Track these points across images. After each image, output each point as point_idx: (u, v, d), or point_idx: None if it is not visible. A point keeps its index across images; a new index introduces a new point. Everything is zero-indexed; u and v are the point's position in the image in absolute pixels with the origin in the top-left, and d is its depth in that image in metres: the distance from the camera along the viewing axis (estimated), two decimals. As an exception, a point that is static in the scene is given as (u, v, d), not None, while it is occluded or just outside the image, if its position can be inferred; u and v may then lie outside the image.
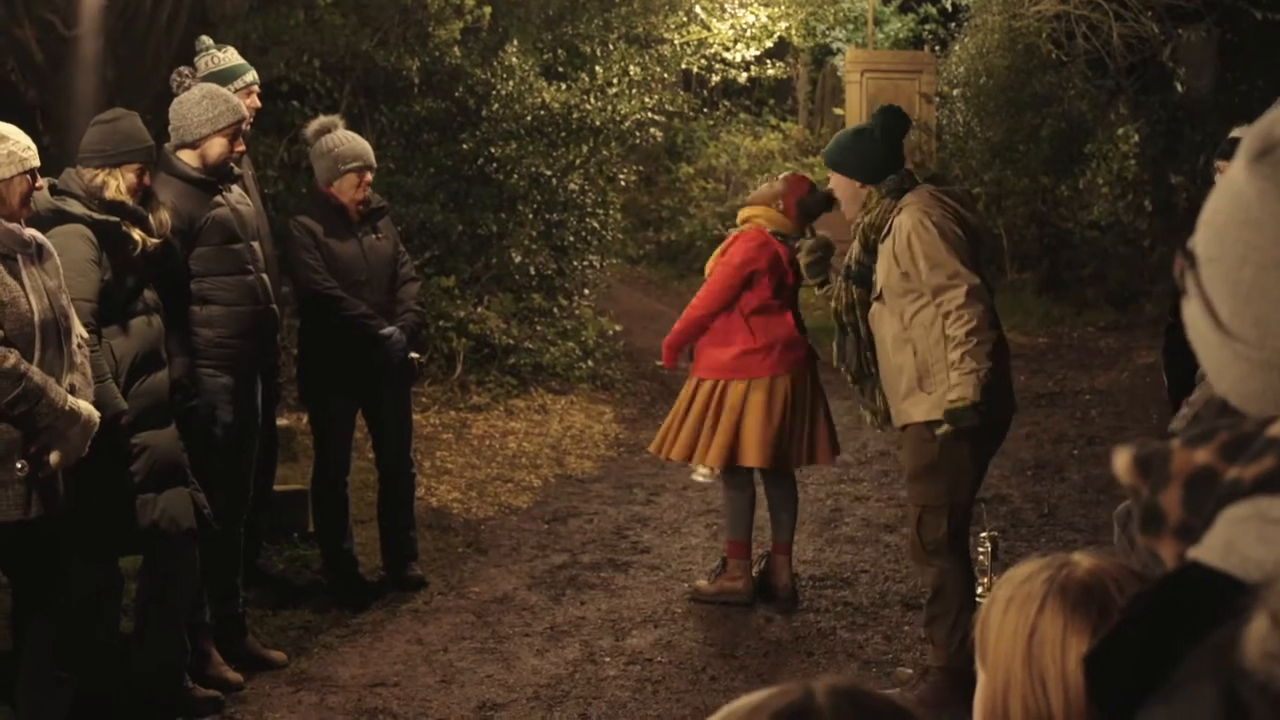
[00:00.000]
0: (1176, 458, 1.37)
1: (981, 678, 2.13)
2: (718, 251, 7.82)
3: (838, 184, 6.47)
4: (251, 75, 7.45)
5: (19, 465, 5.24)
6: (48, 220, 5.78)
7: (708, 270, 7.81)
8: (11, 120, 5.61)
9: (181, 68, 6.92)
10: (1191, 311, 1.44)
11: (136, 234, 6.02)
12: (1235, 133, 7.50)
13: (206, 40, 7.53)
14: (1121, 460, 1.43)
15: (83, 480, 5.60)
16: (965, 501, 6.38)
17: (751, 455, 7.58)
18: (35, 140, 11.03)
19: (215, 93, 6.69)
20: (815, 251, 7.04)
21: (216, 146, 6.63)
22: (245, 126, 6.85)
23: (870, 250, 6.28)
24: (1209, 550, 1.30)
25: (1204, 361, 1.44)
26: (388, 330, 7.60)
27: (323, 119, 7.91)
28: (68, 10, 10.45)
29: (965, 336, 6.02)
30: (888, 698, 1.35)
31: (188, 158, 6.64)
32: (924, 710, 1.40)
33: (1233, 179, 1.40)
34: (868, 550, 8.58)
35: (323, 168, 7.67)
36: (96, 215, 5.91)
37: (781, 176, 7.93)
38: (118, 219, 5.97)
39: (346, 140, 7.70)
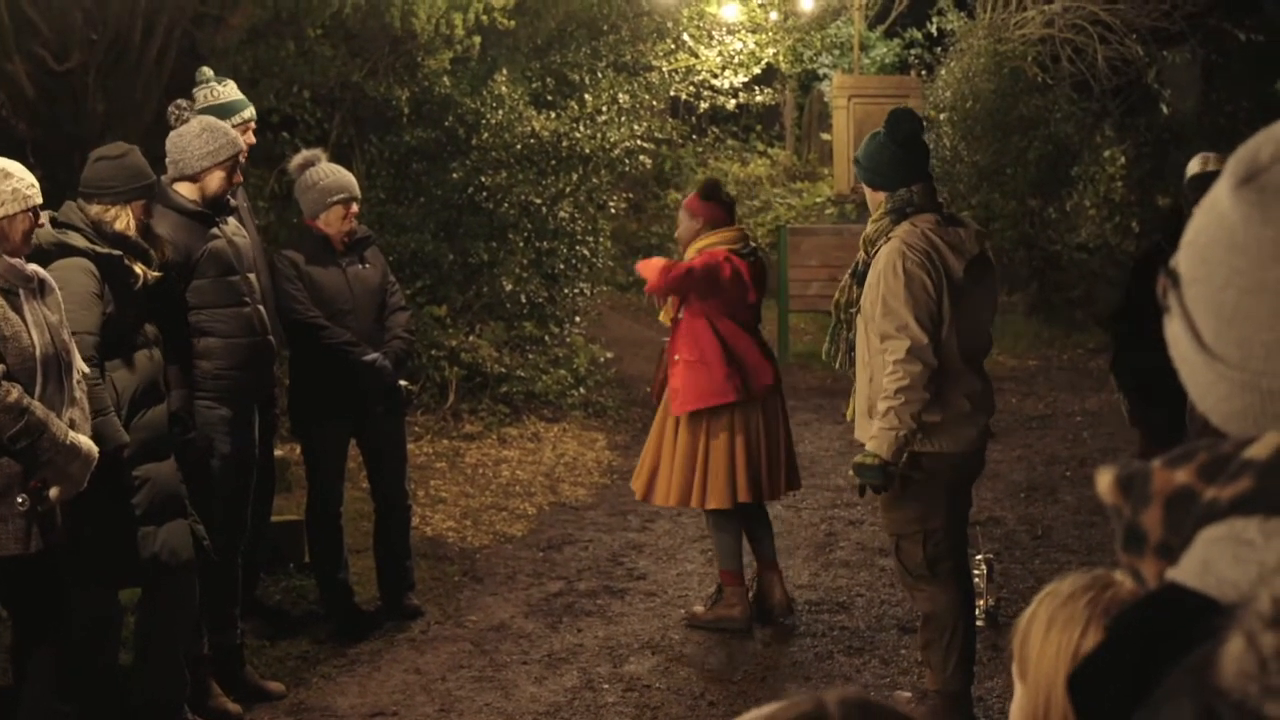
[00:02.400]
0: (1157, 478, 1.39)
1: (1019, 693, 2.14)
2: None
3: (866, 191, 6.45)
4: (250, 112, 7.48)
5: (20, 500, 5.26)
6: (50, 254, 5.80)
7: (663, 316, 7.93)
8: (3, 154, 5.63)
9: (179, 100, 6.92)
10: (1174, 330, 1.45)
11: (138, 268, 6.05)
12: (1192, 166, 7.46)
13: (207, 72, 7.56)
14: (1104, 480, 1.46)
15: (84, 513, 5.62)
16: (941, 526, 6.30)
17: (743, 491, 7.61)
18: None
19: (214, 125, 6.73)
20: None
21: (216, 179, 6.67)
22: (241, 159, 6.89)
23: (870, 260, 6.29)
24: (1186, 571, 1.32)
25: (1186, 381, 1.46)
26: (371, 356, 7.62)
27: (305, 153, 7.93)
28: (58, 44, 10.48)
29: (895, 393, 5.95)
30: (897, 710, 1.38)
31: (185, 190, 6.67)
32: None
33: (1217, 202, 1.42)
34: (863, 574, 8.60)
35: (309, 201, 7.70)
36: (100, 249, 5.94)
37: (683, 210, 7.99)
38: (120, 253, 6.00)
39: (331, 173, 7.73)
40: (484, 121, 12.95)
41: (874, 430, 6.02)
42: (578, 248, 13.78)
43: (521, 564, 8.95)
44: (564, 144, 13.31)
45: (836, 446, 11.75)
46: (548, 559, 9.05)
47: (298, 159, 7.87)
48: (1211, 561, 1.30)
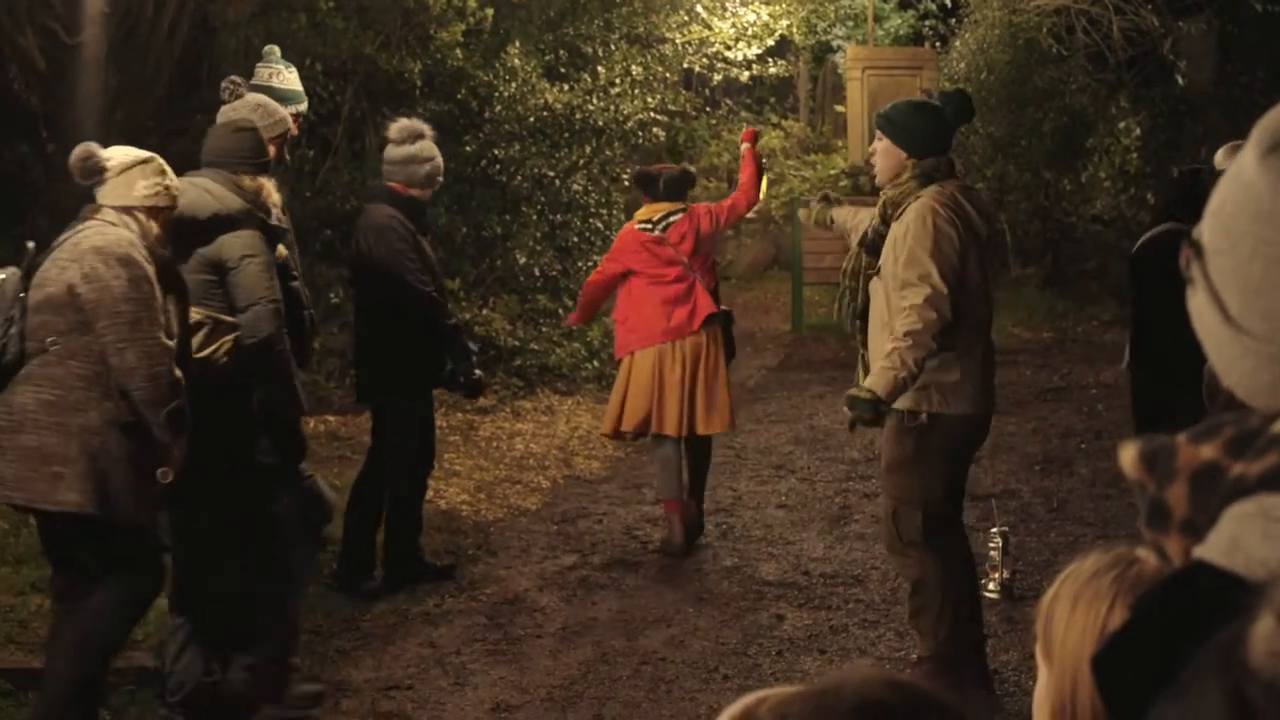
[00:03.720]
0: (1182, 453, 1.37)
1: (1044, 673, 2.11)
2: None
3: (880, 146, 6.35)
4: (304, 106, 7.54)
5: (161, 472, 5.46)
6: (240, 221, 5.99)
7: None
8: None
9: (233, 76, 6.95)
10: (1198, 303, 1.43)
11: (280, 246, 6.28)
12: (1220, 158, 7.34)
13: (276, 51, 7.58)
14: (1128, 455, 1.43)
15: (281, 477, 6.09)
16: (940, 498, 6.32)
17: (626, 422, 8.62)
18: (39, 148, 11.08)
19: (267, 102, 6.76)
20: (820, 200, 7.35)
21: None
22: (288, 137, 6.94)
23: (886, 224, 6.27)
24: (1214, 548, 1.30)
25: (1211, 354, 1.43)
26: (474, 346, 7.89)
27: (415, 123, 7.96)
28: (70, 18, 10.47)
29: (904, 335, 5.93)
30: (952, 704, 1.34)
31: None
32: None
33: (1242, 171, 1.39)
34: (878, 547, 8.56)
35: (419, 172, 7.77)
36: (270, 222, 6.17)
37: None
38: (287, 228, 6.25)
39: (439, 155, 7.92)
40: (497, 94, 12.93)
41: (875, 369, 5.99)
42: (591, 220, 13.76)
43: (535, 537, 8.94)
44: (577, 116, 13.29)
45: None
46: (562, 532, 9.05)
47: (406, 126, 7.91)
48: (1240, 539, 1.27)
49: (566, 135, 13.35)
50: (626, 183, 14.78)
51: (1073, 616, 2.07)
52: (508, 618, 7.56)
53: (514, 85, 12.95)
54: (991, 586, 7.56)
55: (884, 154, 6.35)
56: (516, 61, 13.02)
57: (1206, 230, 1.43)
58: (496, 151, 12.89)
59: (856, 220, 6.83)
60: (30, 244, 5.62)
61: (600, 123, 13.42)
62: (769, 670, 6.84)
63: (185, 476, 5.60)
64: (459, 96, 12.98)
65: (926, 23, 21.20)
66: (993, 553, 7.60)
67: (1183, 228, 6.19)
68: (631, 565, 8.38)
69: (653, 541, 8.79)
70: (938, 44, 20.34)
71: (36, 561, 7.54)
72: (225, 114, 6.68)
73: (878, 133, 6.41)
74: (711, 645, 7.18)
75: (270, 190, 6.22)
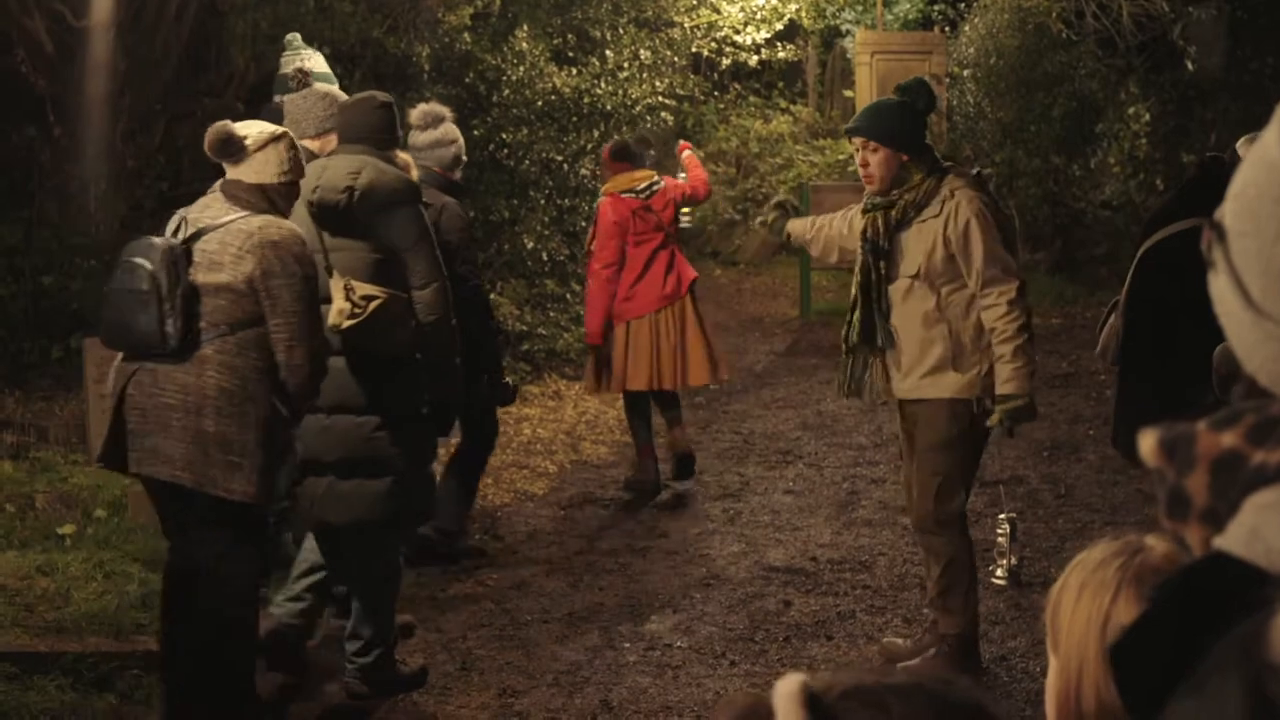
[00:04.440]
0: (1203, 440, 1.34)
1: (1053, 664, 2.10)
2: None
3: (877, 157, 6.28)
4: (335, 87, 7.56)
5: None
6: (411, 199, 6.11)
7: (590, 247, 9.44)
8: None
9: (300, 66, 7.11)
10: (1219, 287, 1.40)
11: None
12: (1242, 148, 7.38)
13: (298, 38, 7.72)
14: (1147, 442, 1.41)
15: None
16: (974, 477, 6.64)
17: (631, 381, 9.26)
18: (47, 131, 11.03)
19: (334, 92, 6.83)
20: (775, 209, 7.21)
21: (331, 143, 6.69)
22: None
23: (904, 226, 6.25)
24: (1233, 539, 1.27)
25: (1232, 339, 1.40)
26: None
27: (435, 106, 7.88)
28: (77, 1, 10.45)
29: (1017, 331, 6.12)
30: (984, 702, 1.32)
31: (309, 146, 6.69)
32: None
33: (1266, 151, 1.36)
34: (885, 533, 8.57)
35: (445, 156, 7.72)
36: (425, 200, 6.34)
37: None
38: (430, 204, 6.39)
39: (461, 137, 7.90)
40: (505, 78, 12.91)
41: (1007, 374, 6.13)
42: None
43: (542, 522, 8.93)
44: (585, 100, 13.26)
45: (858, 405, 11.70)
46: (569, 517, 9.04)
47: (429, 110, 7.82)
48: (1260, 529, 1.25)
49: (574, 119, 13.32)
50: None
51: (1078, 606, 2.06)
52: (514, 603, 7.55)
53: (522, 69, 12.93)
54: (999, 573, 7.55)
55: (884, 163, 6.30)
56: (525, 45, 13.00)
57: (1228, 212, 1.40)
58: (504, 136, 12.87)
59: (815, 230, 6.86)
60: (180, 212, 5.65)
61: (608, 107, 13.39)
62: (776, 656, 6.83)
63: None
64: (467, 80, 12.96)
65: (935, 7, 21.12)
66: (1000, 539, 7.58)
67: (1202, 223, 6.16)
68: (638, 550, 8.37)
69: (659, 527, 8.79)
70: (947, 29, 20.26)
71: (41, 545, 7.55)
72: (295, 101, 6.74)
73: (869, 144, 6.33)
74: (718, 630, 7.17)
75: (412, 167, 6.36)
